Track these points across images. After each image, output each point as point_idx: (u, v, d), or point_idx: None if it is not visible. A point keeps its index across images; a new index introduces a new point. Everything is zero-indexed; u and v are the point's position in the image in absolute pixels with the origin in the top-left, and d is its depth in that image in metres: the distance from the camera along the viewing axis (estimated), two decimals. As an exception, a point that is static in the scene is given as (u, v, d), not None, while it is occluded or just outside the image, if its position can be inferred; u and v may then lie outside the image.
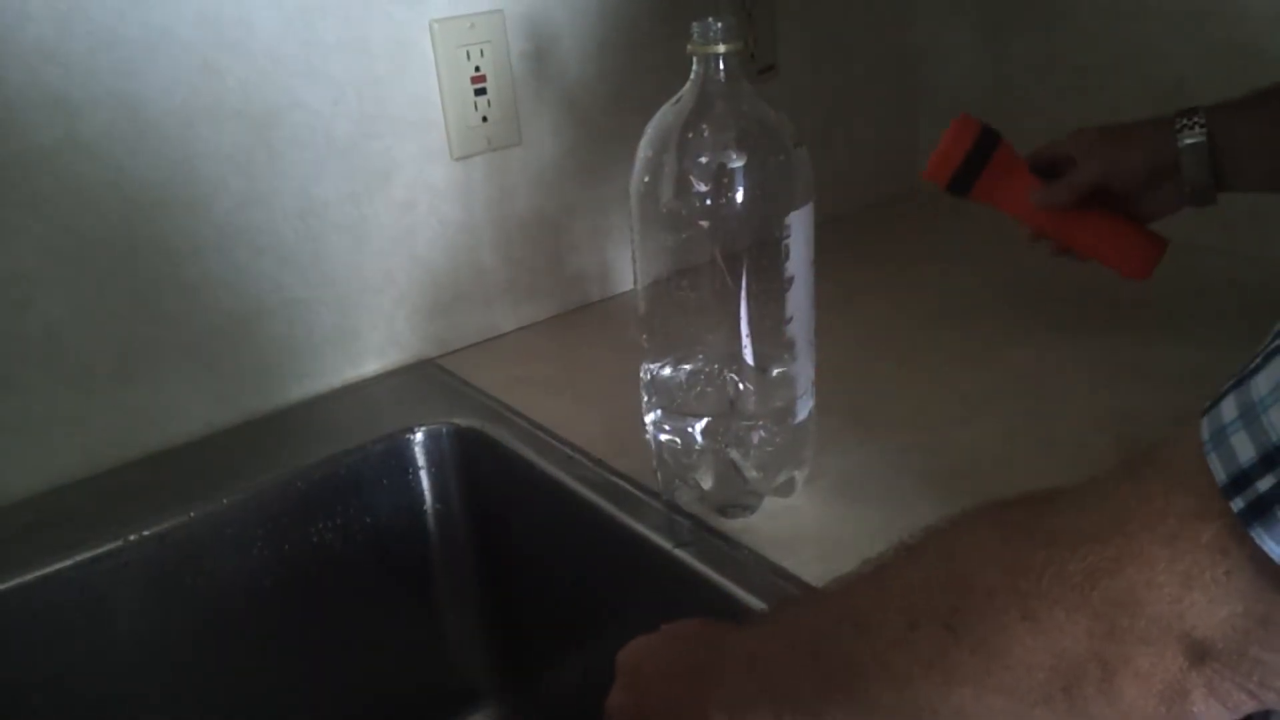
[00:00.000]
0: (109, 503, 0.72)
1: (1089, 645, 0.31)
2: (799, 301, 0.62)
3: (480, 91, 0.88)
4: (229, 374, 0.81)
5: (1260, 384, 0.28)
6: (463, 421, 0.80)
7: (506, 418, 0.80)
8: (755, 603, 0.58)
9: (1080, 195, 0.76)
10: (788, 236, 0.60)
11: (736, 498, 0.65)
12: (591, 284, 1.02)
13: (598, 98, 0.96)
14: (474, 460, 0.79)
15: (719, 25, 0.59)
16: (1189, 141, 0.71)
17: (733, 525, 0.64)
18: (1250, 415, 0.28)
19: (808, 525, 0.64)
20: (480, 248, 0.93)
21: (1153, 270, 0.78)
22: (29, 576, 0.65)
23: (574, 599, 0.76)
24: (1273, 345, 0.29)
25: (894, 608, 0.37)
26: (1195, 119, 0.71)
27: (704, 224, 0.59)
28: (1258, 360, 0.29)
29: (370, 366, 0.89)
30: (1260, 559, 0.27)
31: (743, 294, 0.60)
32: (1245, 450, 0.28)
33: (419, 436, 0.79)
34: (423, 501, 0.80)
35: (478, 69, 0.87)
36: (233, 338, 0.81)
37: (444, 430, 0.79)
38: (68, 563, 0.67)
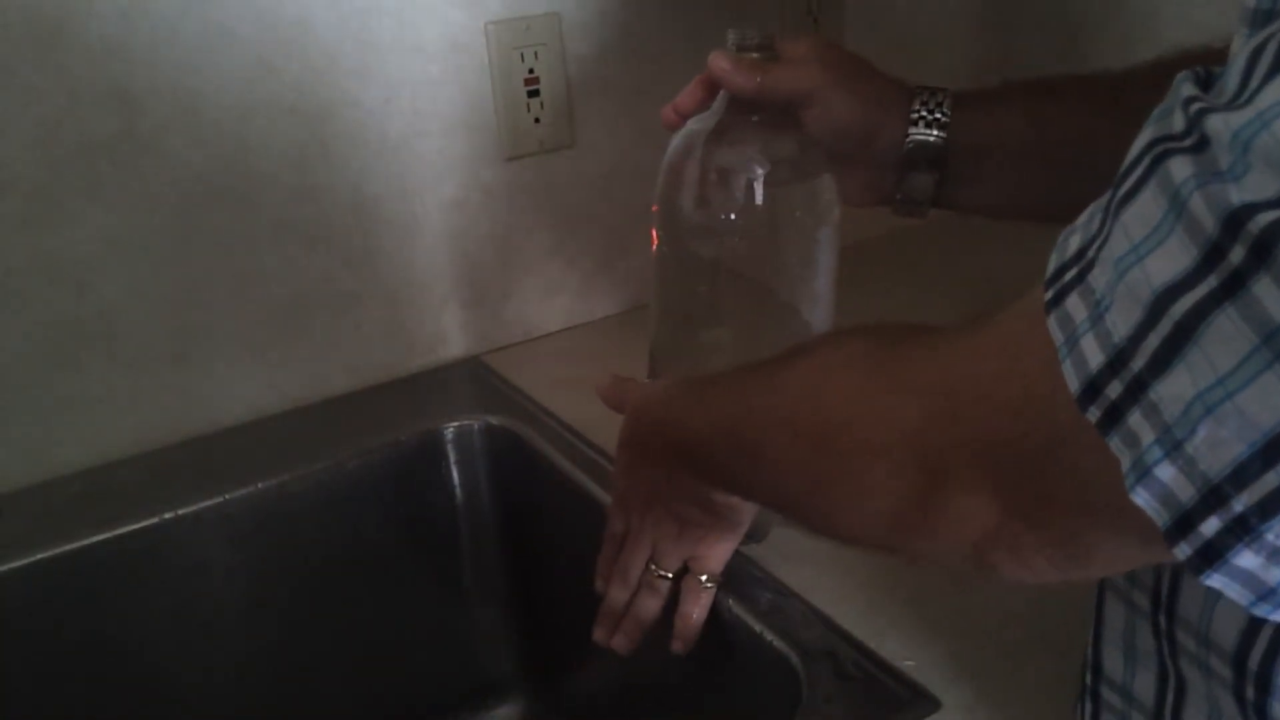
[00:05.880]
0: (152, 481, 0.76)
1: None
2: (823, 322, 0.60)
3: (533, 93, 0.89)
4: (277, 362, 0.84)
5: (1098, 279, 0.27)
6: (495, 419, 0.80)
7: (539, 418, 0.80)
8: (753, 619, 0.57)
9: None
10: (814, 253, 0.58)
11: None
12: (643, 286, 1.01)
13: (654, 101, 0.95)
14: (502, 458, 0.80)
15: (753, 34, 0.57)
16: (920, 138, 0.56)
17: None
18: (1095, 315, 0.26)
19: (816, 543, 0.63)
20: (530, 248, 0.93)
21: None
22: (66, 547, 0.68)
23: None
24: (1104, 232, 0.27)
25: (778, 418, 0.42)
26: (939, 106, 0.56)
27: (725, 239, 0.58)
28: (1092, 249, 0.27)
29: (417, 362, 0.90)
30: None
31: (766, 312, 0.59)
32: (1095, 356, 0.26)
33: (450, 433, 0.80)
34: (453, 497, 0.81)
35: (531, 71, 0.88)
36: (282, 327, 0.83)
37: (475, 427, 0.80)
38: (106, 535, 0.70)
